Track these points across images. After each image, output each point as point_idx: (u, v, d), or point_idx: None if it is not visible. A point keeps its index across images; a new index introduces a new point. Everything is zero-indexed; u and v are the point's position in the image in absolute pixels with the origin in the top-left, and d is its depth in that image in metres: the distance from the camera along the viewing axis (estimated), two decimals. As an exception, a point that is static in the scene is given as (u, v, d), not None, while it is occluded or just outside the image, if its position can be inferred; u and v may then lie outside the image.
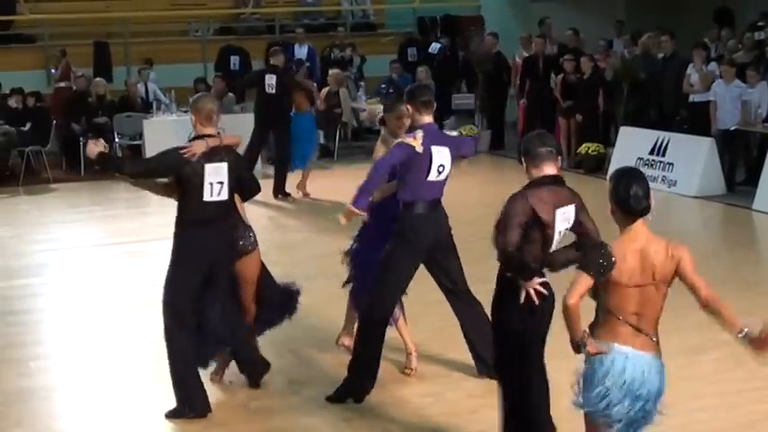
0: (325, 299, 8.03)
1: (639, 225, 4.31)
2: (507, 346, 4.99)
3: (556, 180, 4.96)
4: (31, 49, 18.24)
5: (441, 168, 6.27)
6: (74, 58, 17.30)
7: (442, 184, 6.37)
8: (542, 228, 4.87)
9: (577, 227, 5.01)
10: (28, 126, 15.27)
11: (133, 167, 6.55)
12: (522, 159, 5.01)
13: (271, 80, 13.64)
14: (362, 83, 17.85)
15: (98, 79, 16.61)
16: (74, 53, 17.41)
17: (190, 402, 6.32)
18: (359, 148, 16.53)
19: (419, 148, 6.14)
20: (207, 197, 6.10)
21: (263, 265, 6.77)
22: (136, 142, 15.78)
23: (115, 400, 6.81)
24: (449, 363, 7.05)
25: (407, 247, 6.32)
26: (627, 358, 4.30)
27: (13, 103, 15.43)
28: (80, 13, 18.50)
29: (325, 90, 16.46)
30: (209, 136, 6.14)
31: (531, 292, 4.87)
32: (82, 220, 12.92)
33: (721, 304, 4.32)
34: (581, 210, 5.01)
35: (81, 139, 15.76)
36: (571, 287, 4.31)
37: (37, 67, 17.83)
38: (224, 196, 6.14)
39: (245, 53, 18.29)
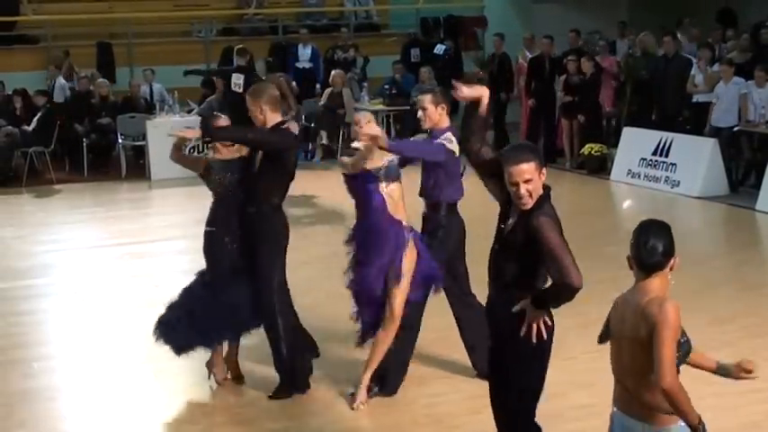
0: (328, 300, 8.04)
1: (648, 282, 3.85)
2: (542, 356, 4.74)
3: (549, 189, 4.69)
4: (35, 49, 18.29)
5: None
6: (77, 59, 17.34)
7: None
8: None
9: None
10: (32, 126, 15.30)
11: (256, 135, 6.47)
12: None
13: (238, 79, 13.67)
14: (366, 83, 17.86)
15: (101, 80, 16.65)
16: (77, 54, 17.45)
17: None
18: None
19: (457, 151, 6.20)
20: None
21: None
22: (139, 143, 15.81)
23: (119, 400, 6.82)
24: (452, 364, 7.06)
25: (446, 248, 6.45)
26: (613, 421, 3.98)
27: (17, 105, 15.46)
28: (83, 14, 18.55)
29: (328, 90, 16.51)
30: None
31: (542, 328, 4.59)
32: (85, 220, 12.94)
33: (679, 394, 3.74)
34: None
35: (84, 139, 15.82)
36: None
37: (40, 67, 17.85)
38: None
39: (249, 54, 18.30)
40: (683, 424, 3.81)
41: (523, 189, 4.39)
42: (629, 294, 3.92)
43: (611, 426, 4.01)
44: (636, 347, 3.81)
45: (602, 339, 4.12)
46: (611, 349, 4.00)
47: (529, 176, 4.39)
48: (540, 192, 4.46)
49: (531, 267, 4.52)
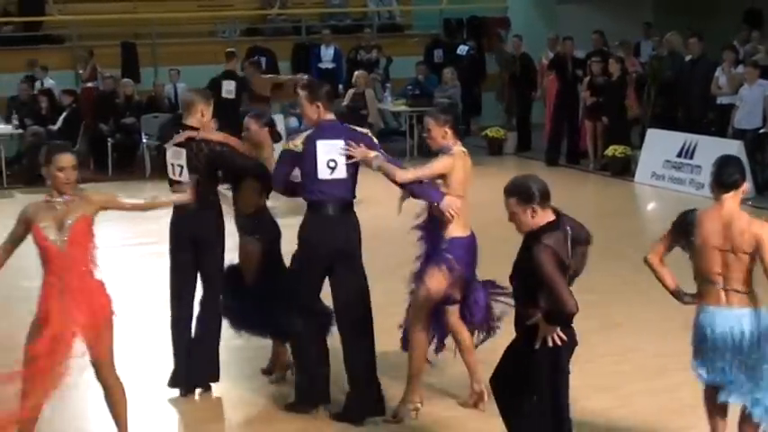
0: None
1: (728, 199, 5.02)
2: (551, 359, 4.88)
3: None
4: (60, 49, 18.40)
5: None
6: (101, 59, 17.43)
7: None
8: (566, 271, 4.80)
9: None
10: (58, 125, 15.40)
11: None
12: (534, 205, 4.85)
13: (229, 86, 13.64)
14: (389, 84, 17.87)
15: (126, 80, 16.75)
16: (102, 54, 17.54)
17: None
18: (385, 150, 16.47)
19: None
20: (170, 175, 7.03)
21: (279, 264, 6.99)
22: (163, 142, 15.86)
23: (133, 399, 6.83)
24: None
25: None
26: (713, 317, 4.90)
27: (42, 104, 15.56)
28: (108, 14, 18.66)
29: (351, 91, 16.52)
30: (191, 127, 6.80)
31: (557, 338, 4.75)
32: (110, 219, 12.89)
33: None
34: None
35: (109, 139, 15.91)
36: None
37: (65, 67, 17.96)
38: (184, 178, 6.86)
39: (272, 54, 18.37)
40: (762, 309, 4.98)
41: (512, 220, 4.91)
42: (717, 212, 5.01)
43: (698, 320, 4.97)
44: (738, 258, 4.92)
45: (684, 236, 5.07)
46: (700, 253, 4.98)
47: (512, 210, 4.89)
48: (541, 223, 4.79)
49: (534, 289, 4.75)
